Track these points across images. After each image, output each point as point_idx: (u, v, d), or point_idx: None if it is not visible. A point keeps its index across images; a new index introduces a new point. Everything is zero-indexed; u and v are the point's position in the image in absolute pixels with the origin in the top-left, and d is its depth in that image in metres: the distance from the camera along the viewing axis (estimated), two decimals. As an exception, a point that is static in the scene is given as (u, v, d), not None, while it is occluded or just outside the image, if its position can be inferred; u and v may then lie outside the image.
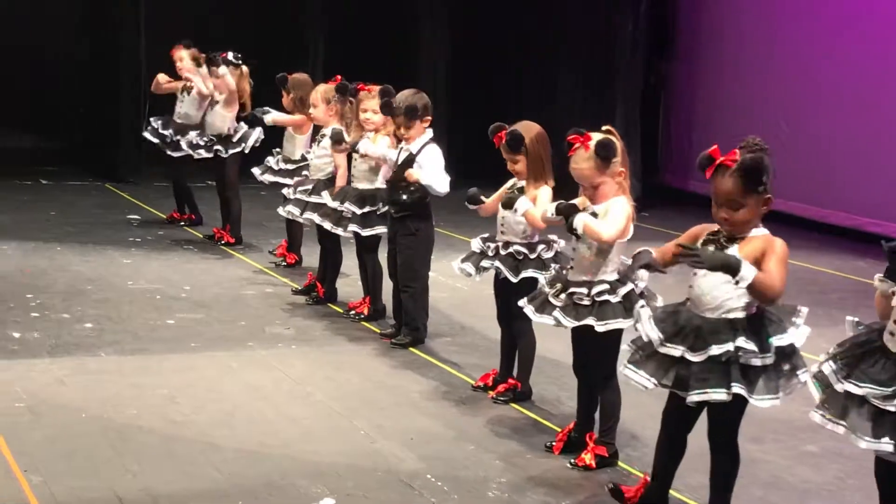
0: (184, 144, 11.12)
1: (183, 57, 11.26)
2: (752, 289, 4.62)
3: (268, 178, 9.96)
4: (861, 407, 4.31)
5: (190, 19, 14.99)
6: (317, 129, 9.22)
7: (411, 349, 7.80)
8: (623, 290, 5.70)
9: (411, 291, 7.83)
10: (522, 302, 6.06)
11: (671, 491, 5.26)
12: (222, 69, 10.63)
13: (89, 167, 15.10)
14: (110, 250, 10.49)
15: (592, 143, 5.61)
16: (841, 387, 4.38)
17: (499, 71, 16.11)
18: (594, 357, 5.88)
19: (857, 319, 4.62)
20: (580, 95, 14.96)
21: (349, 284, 9.17)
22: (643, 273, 5.77)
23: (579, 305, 5.74)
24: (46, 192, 13.64)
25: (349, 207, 8.25)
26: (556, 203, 5.91)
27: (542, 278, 6.15)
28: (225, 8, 15.74)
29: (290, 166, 9.79)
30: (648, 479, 5.26)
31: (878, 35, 12.72)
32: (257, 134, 10.81)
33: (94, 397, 6.55)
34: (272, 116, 9.88)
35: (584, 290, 5.72)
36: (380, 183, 8.22)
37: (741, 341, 4.70)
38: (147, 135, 11.60)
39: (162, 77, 11.56)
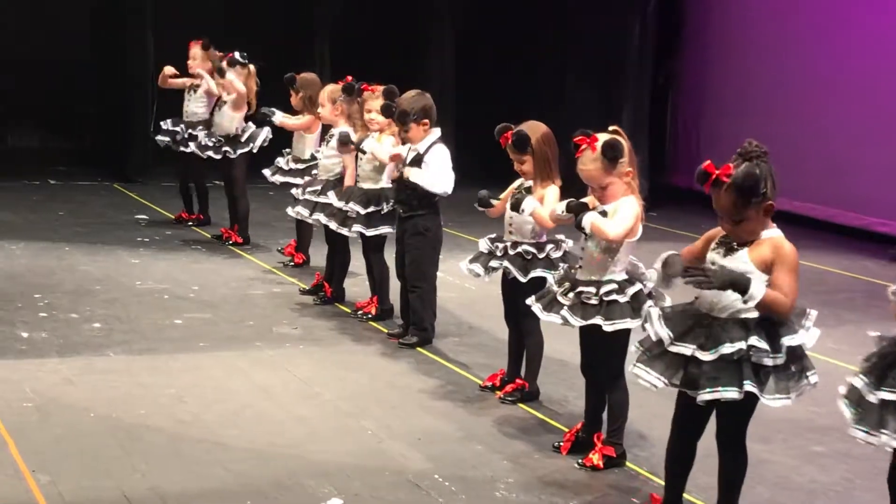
0: (192, 144, 11.14)
1: (197, 56, 11.26)
2: (762, 306, 4.63)
3: (278, 178, 9.98)
4: None
5: (198, 19, 14.98)
6: (326, 129, 9.23)
7: (419, 349, 7.81)
8: (631, 290, 5.71)
9: (419, 291, 7.84)
10: (531, 300, 6.06)
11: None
12: (229, 75, 10.64)
13: (98, 167, 15.12)
14: (119, 250, 10.51)
15: (599, 144, 5.61)
16: (875, 397, 4.36)
17: (506, 71, 16.10)
18: (602, 357, 5.88)
19: (879, 334, 4.59)
20: (588, 95, 14.94)
21: (357, 284, 9.18)
22: (651, 273, 5.77)
23: (587, 305, 5.74)
24: (55, 192, 13.66)
25: (353, 207, 8.26)
26: (566, 201, 5.92)
27: (551, 277, 6.15)
28: (233, 8, 15.74)
29: (300, 166, 9.82)
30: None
31: (889, 34, 12.70)
32: (265, 134, 10.83)
33: (102, 397, 6.56)
34: (279, 118, 9.89)
35: (592, 290, 5.73)
36: (385, 182, 8.23)
37: (754, 340, 4.69)
38: (159, 137, 11.59)
39: (168, 70, 11.52)
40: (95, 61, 15.72)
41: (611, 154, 5.59)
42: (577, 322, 5.76)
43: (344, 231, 8.44)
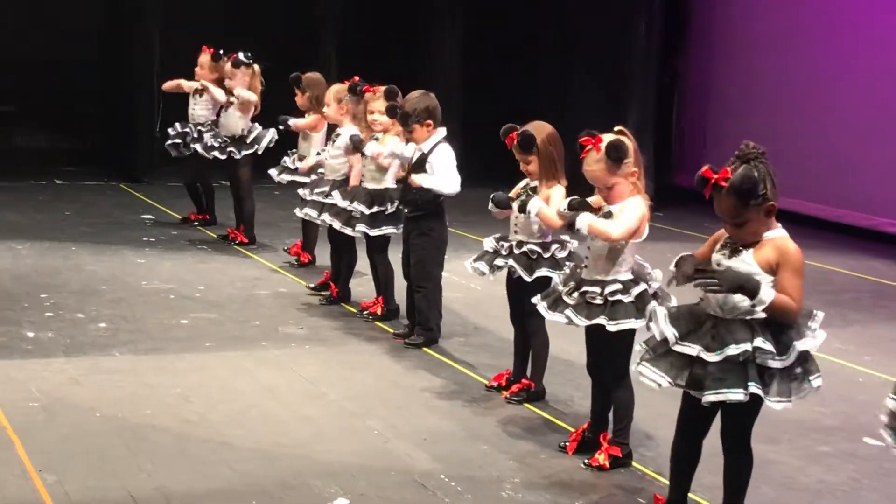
0: (197, 145, 11.15)
1: (205, 65, 11.26)
2: (770, 310, 4.63)
3: (285, 177, 10.00)
4: None
5: (204, 19, 15.01)
6: (331, 129, 9.23)
7: (425, 349, 7.81)
8: (636, 290, 5.70)
9: (424, 291, 7.84)
10: (536, 299, 6.06)
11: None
12: (237, 91, 10.64)
13: (104, 167, 15.14)
14: (124, 250, 10.52)
15: (603, 145, 5.60)
16: None
17: (512, 71, 16.10)
18: (606, 356, 5.88)
19: None
20: (593, 95, 14.93)
21: (362, 284, 9.18)
22: (657, 273, 5.77)
23: (591, 304, 5.74)
24: (61, 192, 13.68)
25: (357, 207, 8.27)
26: (569, 199, 5.92)
27: (557, 277, 6.15)
28: (238, 7, 15.75)
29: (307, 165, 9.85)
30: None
31: (894, 32, 12.68)
32: (271, 135, 10.83)
33: (109, 397, 6.56)
34: (292, 122, 9.90)
35: (597, 290, 5.73)
36: (389, 182, 8.24)
37: (759, 342, 4.68)
38: (168, 144, 11.57)
39: (185, 84, 11.49)
40: (102, 62, 15.76)
41: (615, 154, 5.58)
42: (582, 322, 5.76)
43: (348, 231, 8.44)
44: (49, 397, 6.50)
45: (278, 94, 10.40)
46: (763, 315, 4.71)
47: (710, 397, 4.75)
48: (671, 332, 4.87)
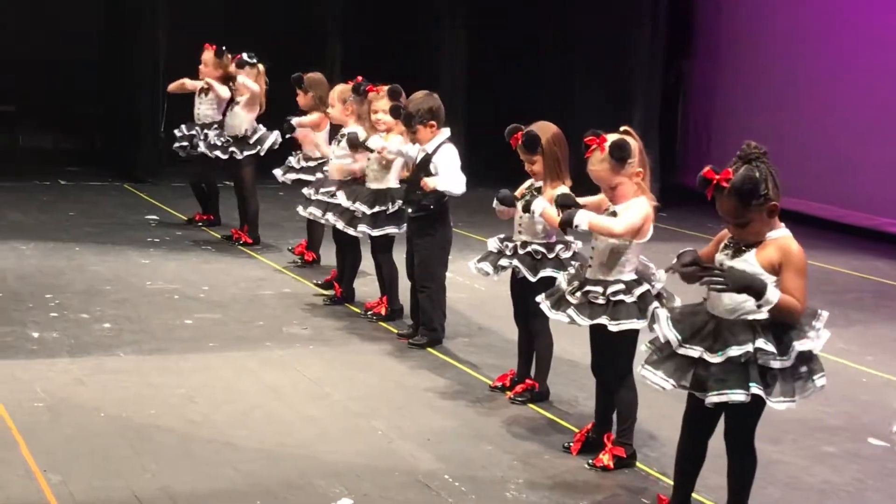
0: (202, 144, 11.16)
1: (208, 63, 11.27)
2: (775, 311, 4.63)
3: (290, 177, 10.01)
4: None
5: (207, 19, 15.02)
6: (336, 129, 9.24)
7: (429, 349, 7.81)
8: (638, 291, 5.71)
9: (428, 292, 7.84)
10: (540, 298, 6.07)
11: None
12: (240, 78, 10.66)
13: (108, 167, 15.15)
14: (129, 250, 10.52)
15: (608, 145, 5.61)
16: None
17: (516, 71, 16.10)
18: (608, 356, 5.89)
19: None
20: (598, 95, 14.93)
21: (366, 284, 9.18)
22: (661, 274, 5.77)
23: (594, 304, 5.74)
24: (65, 193, 13.68)
25: (360, 207, 8.27)
26: (556, 195, 5.92)
27: (561, 276, 6.15)
28: (243, 9, 15.76)
29: (312, 164, 9.86)
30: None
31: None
32: (274, 137, 10.84)
33: (113, 397, 6.57)
34: (296, 120, 9.91)
35: (600, 289, 5.73)
36: (392, 182, 8.24)
37: (761, 343, 4.69)
38: (176, 145, 11.57)
39: (188, 82, 11.51)
40: (105, 61, 15.77)
41: (618, 154, 5.59)
42: (584, 321, 5.77)
43: (350, 231, 8.44)
44: (53, 397, 6.51)
45: (280, 93, 10.40)
46: (765, 315, 4.71)
47: (712, 398, 4.76)
48: (673, 336, 4.88)
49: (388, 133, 8.19)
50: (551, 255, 6.61)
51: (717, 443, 5.03)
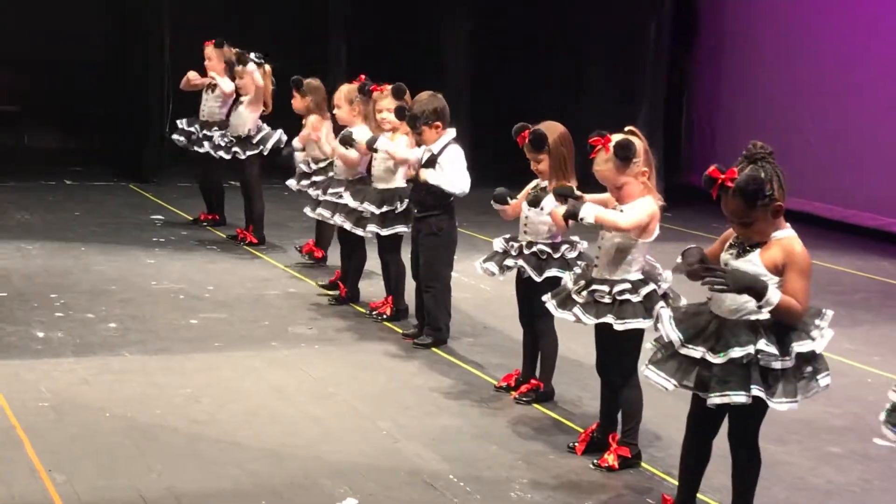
0: (207, 144, 11.17)
1: (212, 56, 11.28)
2: (776, 311, 4.63)
3: (305, 183, 9.84)
4: None
5: (214, 21, 15.02)
6: (340, 129, 9.21)
7: (434, 349, 7.81)
8: (645, 290, 5.70)
9: (433, 291, 7.84)
10: (546, 297, 6.06)
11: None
12: (251, 65, 10.66)
13: (114, 167, 15.16)
14: (134, 250, 10.53)
15: (612, 145, 5.61)
16: None
17: (522, 71, 16.10)
18: (614, 355, 5.88)
19: None
20: (603, 95, 14.93)
21: (371, 284, 9.18)
22: (668, 274, 5.76)
23: (600, 303, 5.74)
24: (71, 193, 13.69)
25: (367, 207, 8.26)
26: (554, 188, 5.92)
27: (567, 276, 6.14)
28: (248, 10, 15.77)
29: (321, 165, 9.83)
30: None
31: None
32: (278, 136, 10.85)
33: (118, 397, 6.57)
34: (297, 142, 9.87)
35: (606, 288, 5.73)
36: (399, 182, 8.23)
37: (762, 344, 4.69)
38: (175, 136, 11.63)
39: (192, 75, 11.53)
40: (110, 62, 15.78)
41: (622, 154, 5.59)
42: (589, 320, 5.77)
43: (359, 231, 8.44)
44: (58, 397, 6.51)
45: (286, 94, 10.40)
46: (768, 316, 4.71)
47: (714, 399, 4.76)
48: (676, 336, 4.88)
49: (393, 133, 8.19)
50: (557, 256, 6.61)
51: (721, 442, 5.03)
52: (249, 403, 6.60)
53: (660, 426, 6.31)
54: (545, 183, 6.58)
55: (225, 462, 5.70)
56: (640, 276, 5.76)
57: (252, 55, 10.75)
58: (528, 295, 6.69)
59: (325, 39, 15.49)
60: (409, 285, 8.26)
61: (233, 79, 11.09)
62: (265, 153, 10.89)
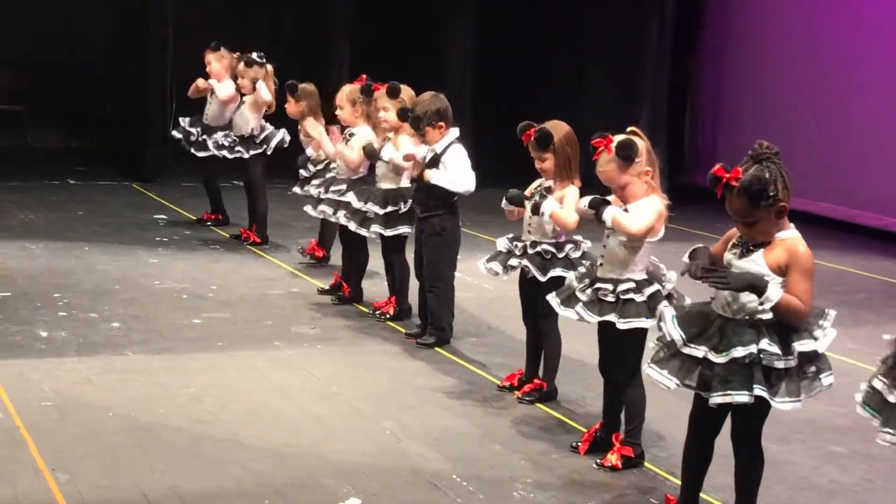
0: (210, 145, 11.17)
1: (210, 61, 11.28)
2: (777, 310, 4.63)
3: (310, 188, 9.83)
4: None
5: (214, 20, 15.03)
6: (342, 130, 9.22)
7: (437, 349, 7.81)
8: (649, 290, 5.70)
9: (436, 291, 7.84)
10: (550, 295, 6.07)
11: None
12: (259, 84, 10.66)
13: (117, 167, 15.16)
14: (137, 250, 10.53)
15: (614, 145, 5.61)
16: (894, 397, 4.36)
17: (524, 71, 16.10)
18: (617, 354, 5.88)
19: (894, 337, 4.58)
20: (606, 95, 14.93)
21: (375, 284, 9.18)
22: (672, 275, 5.76)
23: (603, 301, 5.75)
24: (74, 192, 13.70)
25: (371, 208, 8.26)
26: (590, 197, 5.92)
27: (572, 275, 6.14)
28: (249, 10, 15.77)
29: (321, 166, 9.83)
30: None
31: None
32: (281, 135, 10.85)
33: (121, 396, 6.57)
34: (310, 151, 9.88)
35: (610, 287, 5.73)
36: (403, 182, 8.23)
37: (764, 343, 4.69)
38: (175, 133, 11.66)
39: (200, 81, 11.51)
40: (114, 61, 15.79)
41: (624, 154, 5.59)
42: (592, 318, 5.77)
43: (363, 232, 8.43)
44: (62, 396, 6.51)
45: (285, 95, 10.43)
46: (770, 315, 4.71)
47: (716, 399, 4.76)
48: (678, 335, 4.88)
49: (395, 133, 8.19)
50: (561, 255, 6.61)
51: (724, 442, 5.03)
52: (252, 403, 6.60)
53: (663, 426, 6.31)
54: (549, 182, 6.58)
55: (228, 462, 5.70)
56: (645, 276, 5.77)
57: (254, 55, 10.75)
58: (532, 295, 6.69)
59: (325, 40, 15.48)
60: (413, 285, 8.26)
61: (234, 80, 11.09)
62: (269, 153, 10.90)
